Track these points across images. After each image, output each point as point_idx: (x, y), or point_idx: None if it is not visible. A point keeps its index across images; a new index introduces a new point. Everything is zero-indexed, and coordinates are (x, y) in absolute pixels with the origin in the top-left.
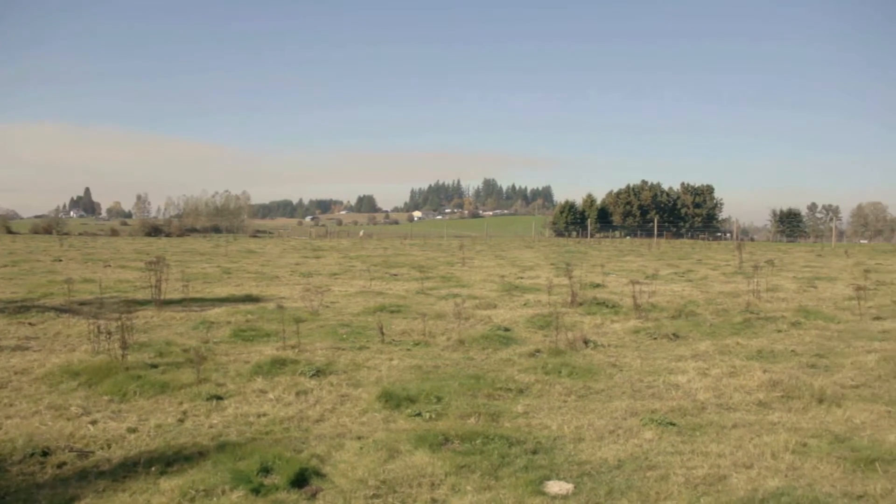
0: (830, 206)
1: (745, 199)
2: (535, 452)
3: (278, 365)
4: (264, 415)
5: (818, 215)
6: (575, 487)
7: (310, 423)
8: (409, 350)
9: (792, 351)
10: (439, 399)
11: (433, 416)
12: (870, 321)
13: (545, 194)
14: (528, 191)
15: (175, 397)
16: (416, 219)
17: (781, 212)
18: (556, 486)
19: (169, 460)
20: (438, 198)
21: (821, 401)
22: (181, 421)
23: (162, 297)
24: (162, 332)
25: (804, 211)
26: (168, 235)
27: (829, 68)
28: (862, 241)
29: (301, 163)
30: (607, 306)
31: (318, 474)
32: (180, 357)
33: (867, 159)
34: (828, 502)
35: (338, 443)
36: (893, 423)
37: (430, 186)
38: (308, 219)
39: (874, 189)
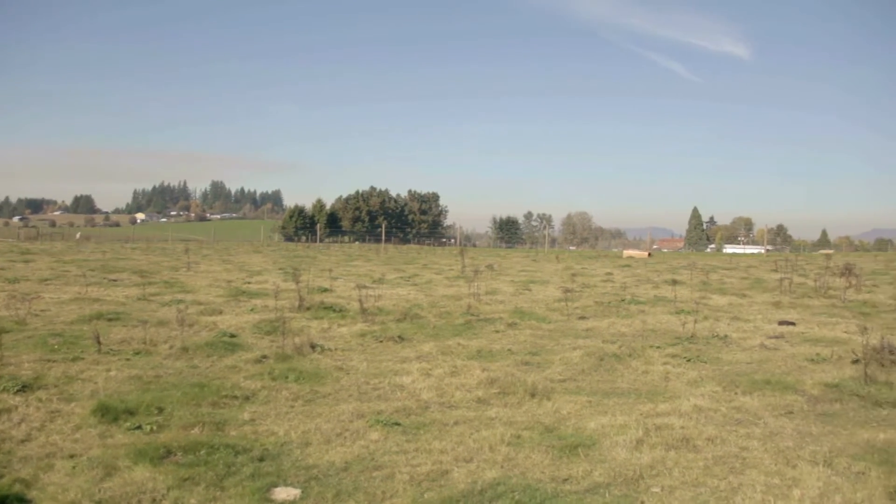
0: (544, 214)
1: (469, 207)
2: (261, 459)
3: None
4: None
5: (534, 223)
6: (302, 492)
7: (13, 445)
8: (128, 360)
9: (508, 350)
10: (161, 410)
11: (154, 428)
12: (576, 320)
13: (275, 198)
14: (258, 194)
15: None
16: (139, 221)
17: (501, 219)
18: (283, 493)
19: None
20: (163, 200)
21: (533, 395)
22: None
23: None
24: None
25: (521, 219)
26: None
27: (541, 86)
28: (571, 248)
29: (8, 158)
30: (335, 310)
31: (23, 500)
32: None
33: (576, 173)
34: (538, 487)
35: (47, 463)
36: (594, 411)
37: (154, 187)
38: (16, 219)
39: (581, 200)
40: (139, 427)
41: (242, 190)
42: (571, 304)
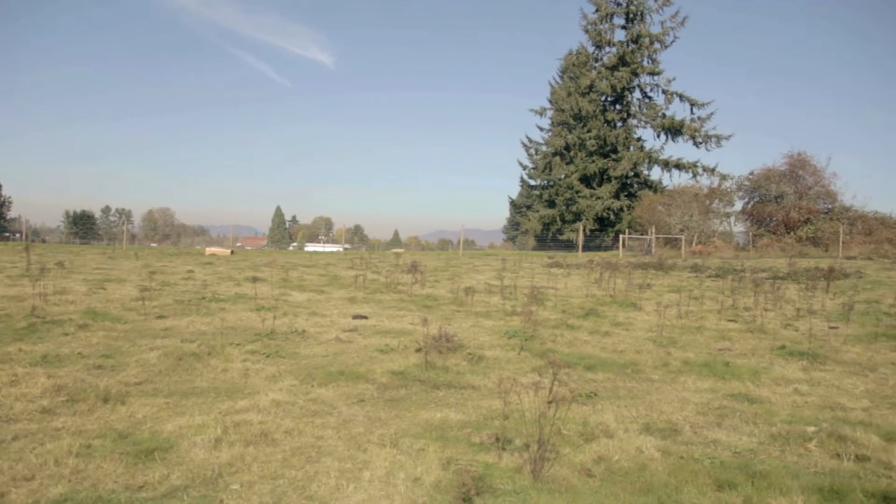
0: (124, 209)
1: (39, 199)
2: None
3: None
4: None
5: (112, 218)
6: None
7: None
8: None
9: (79, 353)
10: None
11: None
12: (154, 320)
13: None
14: None
15: None
16: None
17: (76, 213)
18: None
19: None
20: None
21: (106, 400)
22: None
23: None
24: None
25: (99, 214)
26: None
27: (122, 79)
28: (152, 245)
29: None
30: None
31: None
32: None
33: (158, 168)
34: (110, 498)
35: None
36: (172, 413)
37: None
38: None
39: (164, 196)
40: None
41: None
42: (150, 303)
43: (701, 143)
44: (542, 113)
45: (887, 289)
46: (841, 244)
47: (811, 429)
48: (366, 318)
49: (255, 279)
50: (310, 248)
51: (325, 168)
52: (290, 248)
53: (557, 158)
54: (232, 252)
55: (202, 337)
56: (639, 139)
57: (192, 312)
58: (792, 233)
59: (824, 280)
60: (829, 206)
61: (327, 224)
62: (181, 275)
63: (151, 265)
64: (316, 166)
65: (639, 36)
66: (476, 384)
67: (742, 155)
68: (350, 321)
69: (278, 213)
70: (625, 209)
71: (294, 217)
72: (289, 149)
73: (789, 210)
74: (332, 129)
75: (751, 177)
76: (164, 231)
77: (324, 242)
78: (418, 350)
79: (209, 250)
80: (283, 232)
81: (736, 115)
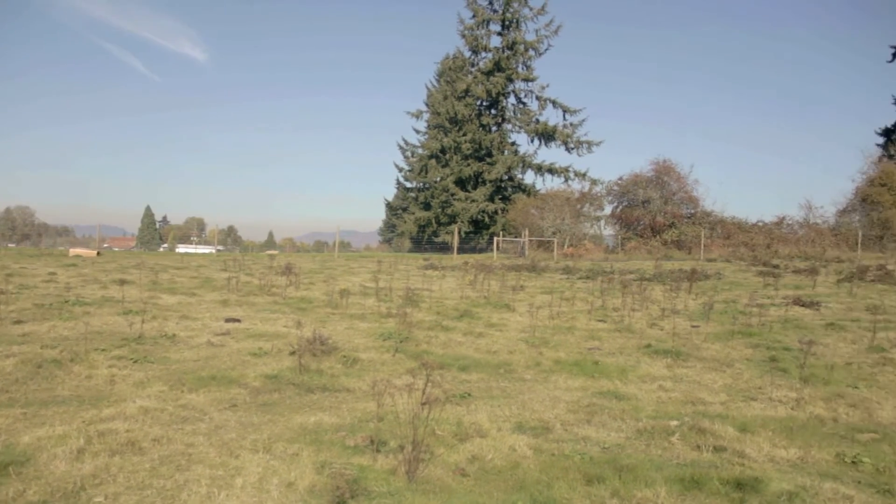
0: None
1: None
2: None
3: None
4: None
5: None
6: None
7: None
8: None
9: None
10: None
11: None
12: (11, 325)
13: None
14: None
15: None
16: None
17: None
18: None
19: None
20: None
21: None
22: None
23: None
24: None
25: None
26: None
27: None
28: (10, 245)
29: None
30: None
31: None
32: None
33: (17, 166)
34: None
35: None
36: (29, 424)
37: None
38: None
39: (24, 194)
40: None
41: None
42: (6, 307)
43: (573, 148)
44: (418, 115)
45: (743, 289)
46: (703, 247)
47: (674, 423)
48: (239, 321)
49: (122, 282)
50: (181, 249)
51: (197, 167)
52: (161, 249)
53: (433, 161)
54: (98, 253)
55: (64, 342)
56: (513, 144)
57: (53, 317)
58: (658, 236)
59: (687, 281)
60: (692, 211)
61: (200, 225)
62: (42, 277)
63: (8, 267)
64: (187, 165)
65: (514, 43)
66: (351, 387)
67: (612, 161)
68: (222, 324)
69: (148, 214)
70: (499, 212)
71: (165, 217)
72: (158, 146)
73: (655, 214)
74: (202, 128)
75: (620, 182)
76: (24, 231)
77: (196, 244)
78: (292, 353)
79: (73, 251)
80: (154, 233)
81: (608, 122)
